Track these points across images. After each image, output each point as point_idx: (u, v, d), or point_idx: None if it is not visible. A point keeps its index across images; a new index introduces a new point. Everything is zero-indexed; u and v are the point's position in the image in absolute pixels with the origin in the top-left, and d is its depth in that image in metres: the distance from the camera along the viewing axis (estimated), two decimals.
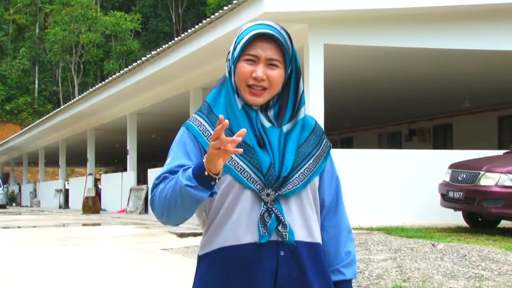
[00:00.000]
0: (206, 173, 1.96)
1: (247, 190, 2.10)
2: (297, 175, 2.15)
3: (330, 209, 2.30)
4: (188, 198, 2.00)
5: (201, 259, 2.19)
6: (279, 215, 2.10)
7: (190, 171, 2.00)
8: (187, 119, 2.22)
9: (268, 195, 2.10)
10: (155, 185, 2.11)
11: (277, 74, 2.15)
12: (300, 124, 2.21)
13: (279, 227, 2.09)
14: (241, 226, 2.10)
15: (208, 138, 2.11)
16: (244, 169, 2.09)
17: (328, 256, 2.28)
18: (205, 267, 2.16)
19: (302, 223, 2.16)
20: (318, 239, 2.22)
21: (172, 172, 2.09)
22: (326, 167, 2.27)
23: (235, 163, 2.09)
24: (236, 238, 2.09)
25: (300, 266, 2.13)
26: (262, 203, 2.10)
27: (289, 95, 2.19)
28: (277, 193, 2.11)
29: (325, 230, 2.28)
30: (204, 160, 1.97)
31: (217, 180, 2.00)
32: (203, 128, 2.15)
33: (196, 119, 2.18)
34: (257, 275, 2.08)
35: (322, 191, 2.27)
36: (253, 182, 2.10)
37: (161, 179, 2.10)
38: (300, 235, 2.14)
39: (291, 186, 2.13)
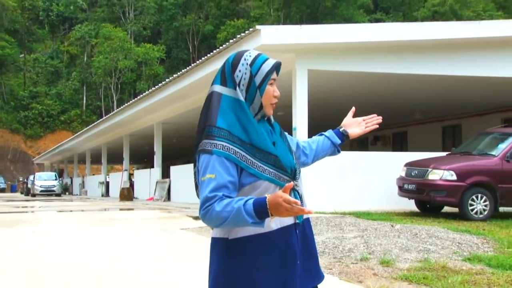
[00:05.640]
0: (270, 219, 1.87)
1: (279, 187, 2.00)
2: (295, 160, 2.11)
3: (305, 149, 2.38)
4: (247, 225, 1.89)
5: (233, 242, 1.99)
6: (301, 200, 2.08)
7: (251, 209, 1.84)
8: (212, 147, 1.95)
9: (297, 185, 2.06)
10: (208, 199, 1.91)
11: None
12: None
13: None
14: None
15: (247, 162, 1.95)
16: (279, 175, 2.00)
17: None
18: (241, 249, 1.99)
19: (304, 202, 2.14)
20: None
21: (222, 187, 1.92)
22: (291, 141, 2.25)
23: (269, 172, 1.98)
24: (267, 226, 1.98)
25: (306, 239, 2.10)
26: (295, 193, 2.04)
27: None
28: (296, 180, 2.07)
29: (310, 151, 2.38)
30: (268, 208, 1.82)
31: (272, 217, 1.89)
32: (239, 155, 1.95)
33: (228, 147, 1.95)
34: (290, 253, 2.01)
35: (298, 154, 2.33)
36: (285, 181, 2.01)
37: (215, 198, 1.90)
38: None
39: (298, 171, 2.10)
